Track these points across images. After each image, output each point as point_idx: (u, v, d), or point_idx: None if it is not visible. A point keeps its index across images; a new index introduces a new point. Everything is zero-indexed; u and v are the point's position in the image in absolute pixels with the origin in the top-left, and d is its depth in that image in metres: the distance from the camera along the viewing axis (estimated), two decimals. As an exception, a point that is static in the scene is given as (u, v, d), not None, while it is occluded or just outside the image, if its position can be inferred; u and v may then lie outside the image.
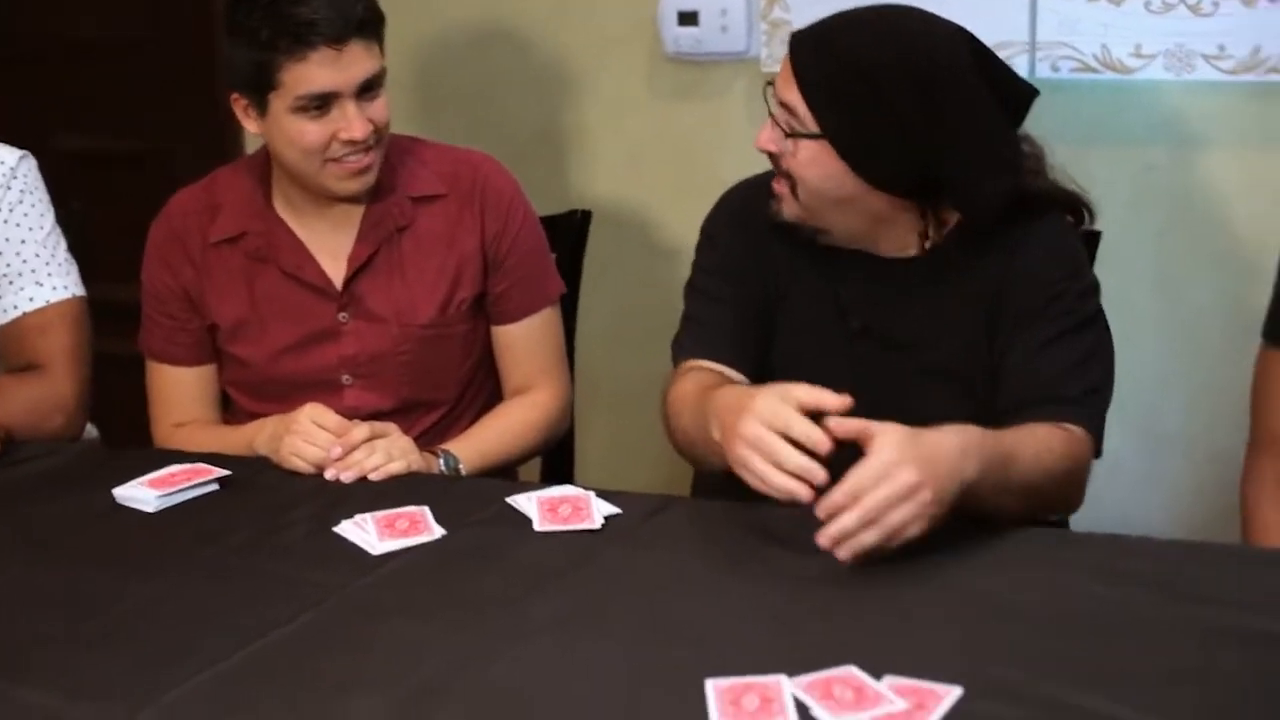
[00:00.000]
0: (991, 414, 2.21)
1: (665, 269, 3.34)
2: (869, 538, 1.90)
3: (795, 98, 2.22)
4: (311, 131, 2.45)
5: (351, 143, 2.46)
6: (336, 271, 2.59)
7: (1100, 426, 2.27)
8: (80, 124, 3.97)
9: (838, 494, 1.89)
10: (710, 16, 3.25)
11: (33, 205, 2.62)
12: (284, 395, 2.56)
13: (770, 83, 2.30)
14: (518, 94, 3.51)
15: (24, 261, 2.59)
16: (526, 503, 2.16)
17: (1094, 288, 2.32)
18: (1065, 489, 2.20)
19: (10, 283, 2.58)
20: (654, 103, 3.39)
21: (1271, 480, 2.33)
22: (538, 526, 2.09)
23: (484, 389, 2.70)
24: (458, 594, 1.93)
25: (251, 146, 3.68)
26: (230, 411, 2.70)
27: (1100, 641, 1.75)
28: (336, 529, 2.12)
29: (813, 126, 2.21)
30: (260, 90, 2.45)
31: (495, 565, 2.00)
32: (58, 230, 2.66)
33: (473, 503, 2.21)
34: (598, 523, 2.09)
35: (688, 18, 3.27)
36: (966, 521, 2.05)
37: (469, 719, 1.64)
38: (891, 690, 1.63)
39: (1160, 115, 3.04)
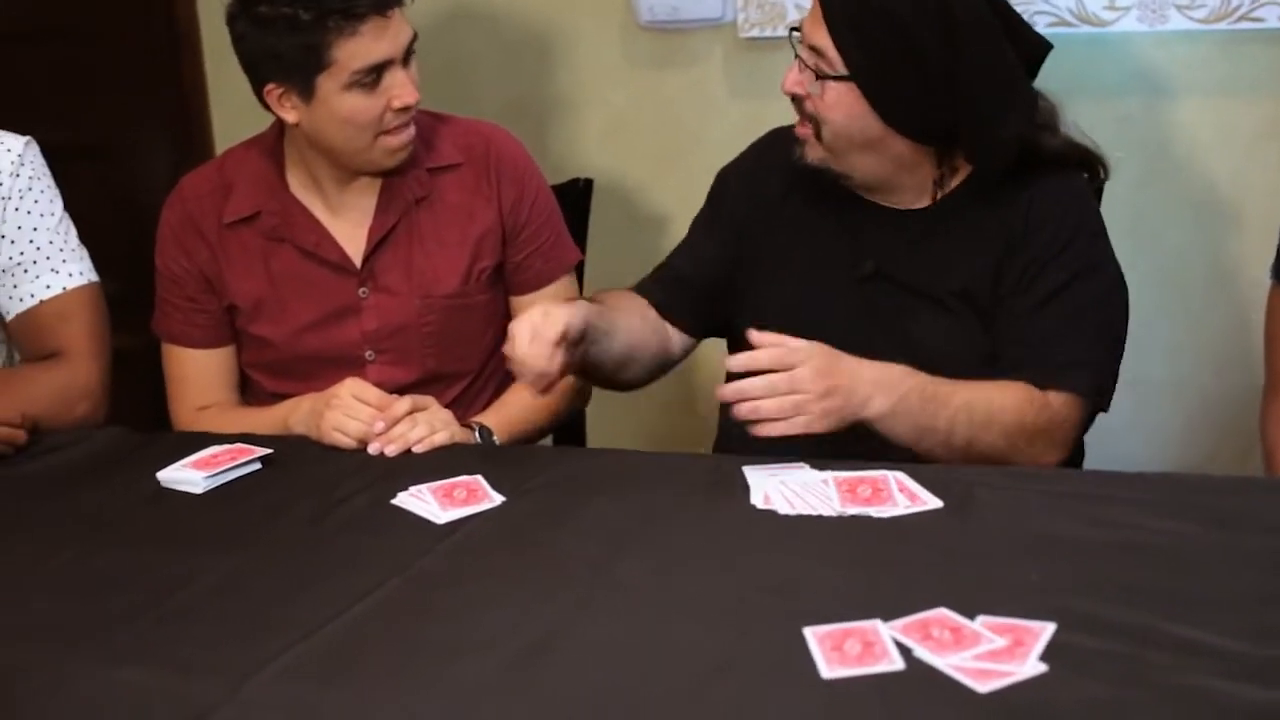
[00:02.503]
0: (988, 352, 2.35)
1: (651, 236, 3.37)
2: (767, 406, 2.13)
3: (824, 40, 2.29)
4: (367, 106, 2.46)
5: (405, 109, 2.48)
6: (355, 247, 2.60)
7: (1091, 385, 2.35)
8: (37, 117, 3.88)
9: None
10: (685, -17, 3.27)
11: (42, 191, 2.60)
12: (307, 374, 2.57)
13: (796, 28, 2.36)
14: (491, 67, 3.52)
15: (38, 249, 2.57)
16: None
17: (1101, 239, 2.39)
18: (1027, 447, 2.27)
19: (25, 271, 2.56)
20: (632, 72, 3.41)
21: None
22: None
23: (505, 360, 2.72)
24: (537, 557, 1.96)
25: (220, 134, 3.69)
26: (249, 394, 2.70)
27: (1169, 571, 1.82)
28: (395, 501, 2.14)
29: (840, 68, 2.28)
30: (307, 74, 2.45)
31: (567, 528, 2.03)
32: (67, 216, 2.63)
33: (522, 469, 2.23)
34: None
35: (662, -15, 3.29)
36: (1012, 468, 2.18)
37: (587, 674, 1.66)
38: (987, 629, 1.68)
39: (1135, 67, 3.10)
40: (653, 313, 2.56)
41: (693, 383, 3.35)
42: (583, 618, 1.78)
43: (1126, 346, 3.16)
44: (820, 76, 2.31)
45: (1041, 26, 3.04)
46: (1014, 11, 2.37)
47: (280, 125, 2.58)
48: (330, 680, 1.68)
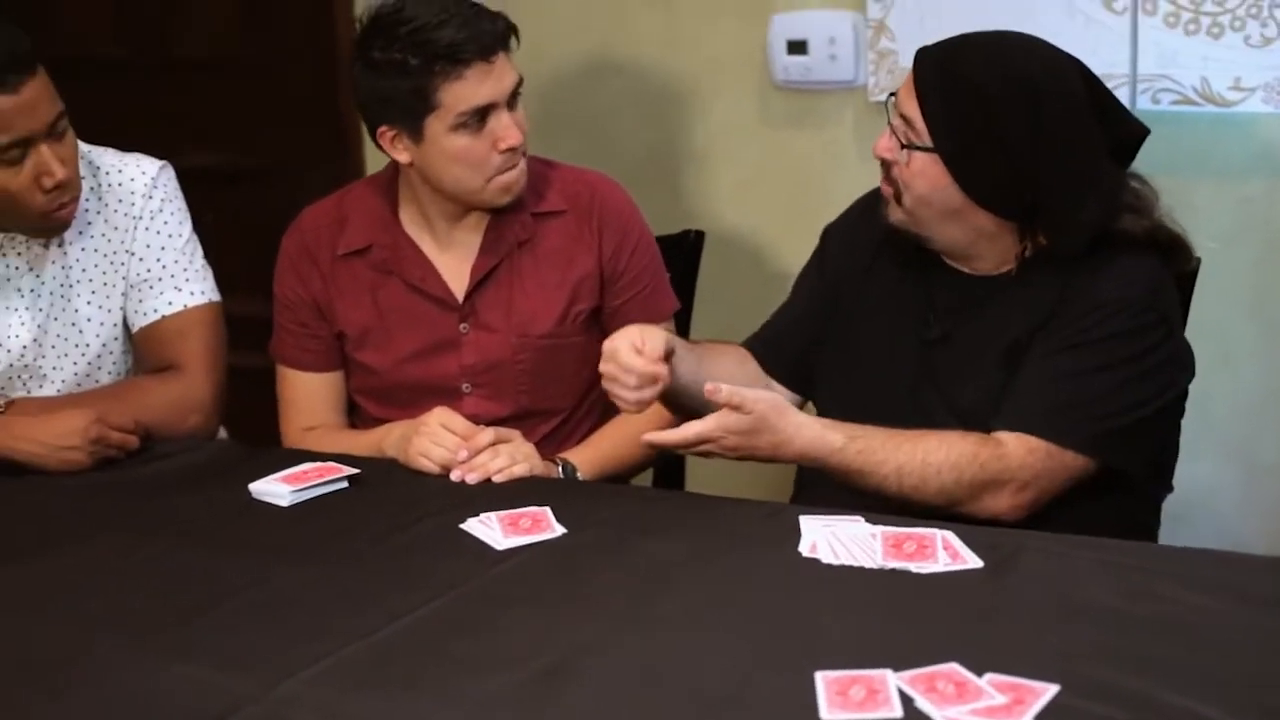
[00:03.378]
0: None
1: (774, 291, 3.42)
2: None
3: (913, 110, 2.35)
4: (473, 147, 2.58)
5: (511, 150, 2.60)
6: (458, 284, 2.71)
7: (1086, 438, 2.32)
8: (208, 141, 4.09)
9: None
10: (819, 45, 3.34)
11: (172, 214, 2.75)
12: (408, 402, 2.68)
13: (894, 93, 2.41)
14: (632, 119, 3.62)
15: (163, 267, 2.72)
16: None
17: (1155, 317, 2.36)
18: (970, 499, 2.30)
19: (150, 287, 2.72)
20: (765, 130, 3.49)
21: None
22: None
23: (600, 399, 2.79)
24: (581, 587, 2.05)
25: (373, 165, 3.83)
26: (357, 418, 2.82)
27: (1191, 646, 1.83)
28: (463, 526, 2.24)
29: (926, 140, 2.34)
30: (416, 117, 2.57)
31: (616, 562, 2.12)
32: (195, 238, 2.79)
33: (591, 505, 2.32)
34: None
35: (796, 47, 3.36)
36: (1068, 535, 2.18)
37: (594, 699, 1.75)
38: (991, 686, 1.72)
39: (1259, 147, 3.09)
40: (755, 366, 2.64)
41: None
42: (606, 646, 1.86)
43: (1239, 428, 3.18)
44: (906, 145, 2.37)
45: (1165, 104, 3.06)
46: (1110, 94, 2.40)
47: (395, 164, 2.70)
48: (359, 686, 1.79)
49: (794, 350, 2.65)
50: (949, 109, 2.33)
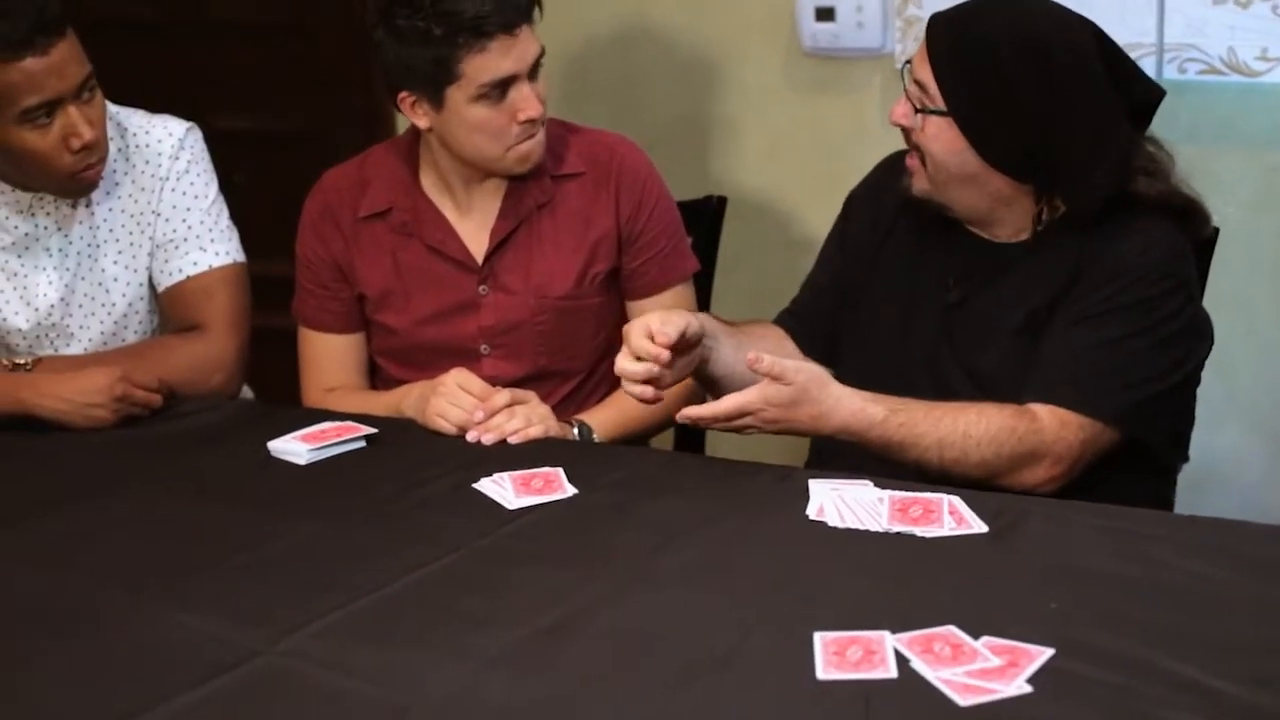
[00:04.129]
0: None
1: (799, 258, 3.44)
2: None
3: (927, 75, 2.37)
4: (493, 117, 2.60)
5: (530, 121, 2.62)
6: (478, 246, 2.73)
7: (1109, 409, 2.32)
8: (239, 104, 4.13)
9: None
10: (847, 12, 3.34)
11: (198, 175, 2.78)
12: (426, 362, 2.71)
13: (909, 61, 2.43)
14: (660, 85, 3.63)
15: (189, 228, 2.76)
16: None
17: (1172, 285, 2.36)
18: (1009, 472, 2.30)
19: (176, 248, 2.75)
20: (792, 96, 3.50)
21: None
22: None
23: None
24: (589, 546, 2.08)
25: (403, 128, 3.85)
26: (378, 379, 2.85)
27: (1187, 612, 1.84)
28: (475, 485, 2.27)
29: (940, 103, 2.36)
30: (437, 86, 2.59)
31: (625, 522, 2.15)
32: (221, 199, 2.82)
33: (604, 466, 2.35)
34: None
35: (825, 14, 3.36)
36: (1073, 501, 2.21)
37: (595, 656, 1.78)
38: (987, 648, 1.74)
39: (1285, 118, 3.10)
40: (793, 345, 2.65)
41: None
42: (609, 604, 1.90)
43: (1264, 398, 3.18)
44: (920, 110, 2.38)
45: (1192, 74, 3.06)
46: (1125, 57, 2.41)
47: (416, 128, 2.72)
48: (363, 641, 1.83)
49: (823, 321, 2.66)
50: (961, 71, 2.35)
